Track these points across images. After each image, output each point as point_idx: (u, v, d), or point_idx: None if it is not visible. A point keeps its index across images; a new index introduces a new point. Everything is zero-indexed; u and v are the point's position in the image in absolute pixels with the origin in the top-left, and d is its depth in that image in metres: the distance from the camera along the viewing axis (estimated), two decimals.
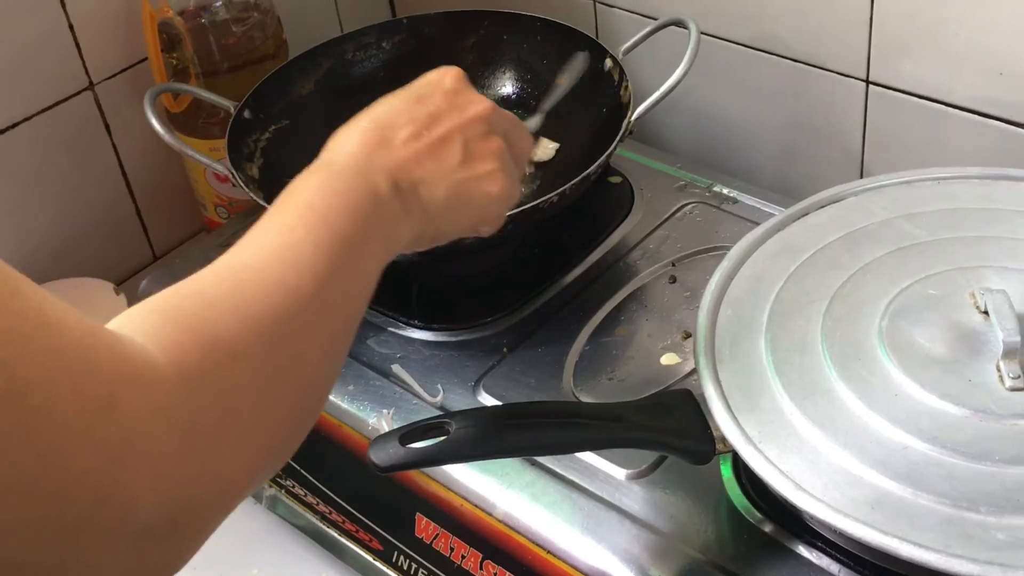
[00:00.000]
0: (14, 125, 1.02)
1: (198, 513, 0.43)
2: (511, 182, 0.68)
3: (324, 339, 0.52)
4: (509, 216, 0.84)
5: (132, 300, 0.93)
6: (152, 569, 0.42)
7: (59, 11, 1.02)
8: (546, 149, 1.00)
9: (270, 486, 0.91)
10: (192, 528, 0.43)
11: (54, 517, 0.38)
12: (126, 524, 0.40)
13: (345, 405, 0.84)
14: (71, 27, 1.03)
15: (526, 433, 0.68)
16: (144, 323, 0.45)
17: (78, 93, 1.06)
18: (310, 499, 0.88)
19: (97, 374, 0.39)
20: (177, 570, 0.44)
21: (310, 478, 0.88)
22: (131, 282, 1.13)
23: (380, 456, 0.65)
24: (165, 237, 1.18)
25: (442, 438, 0.65)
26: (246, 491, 0.48)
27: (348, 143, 0.62)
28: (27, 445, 0.36)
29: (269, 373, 0.47)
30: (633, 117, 0.92)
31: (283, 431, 0.49)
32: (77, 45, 1.04)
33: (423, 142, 0.63)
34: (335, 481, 0.87)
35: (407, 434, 0.65)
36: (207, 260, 0.52)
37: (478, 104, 0.67)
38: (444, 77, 0.68)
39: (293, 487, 0.89)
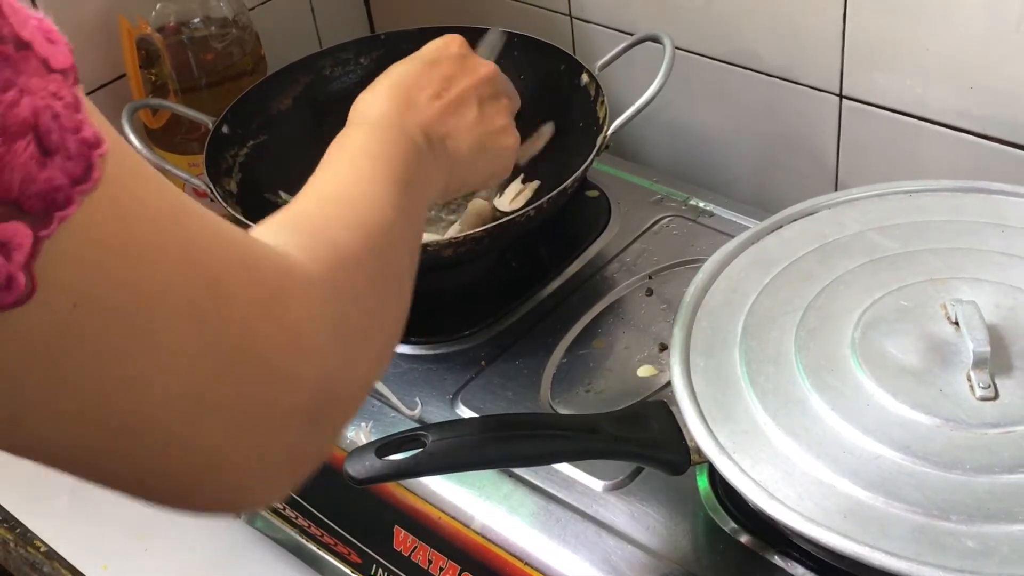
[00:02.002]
0: None
1: (340, 404, 0.47)
2: (517, 135, 0.77)
3: (408, 255, 0.58)
4: (485, 229, 0.85)
5: None
6: (305, 455, 0.45)
7: None
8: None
9: None
10: (335, 417, 0.47)
11: (243, 401, 0.41)
12: (294, 408, 0.43)
13: None
14: None
15: (503, 445, 0.68)
16: (275, 235, 0.48)
17: None
18: (288, 512, 0.88)
19: (265, 269, 0.43)
20: (319, 462, 0.46)
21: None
22: None
23: (356, 468, 0.65)
24: None
25: (418, 450, 0.66)
26: (365, 392, 0.51)
27: (378, 104, 0.67)
28: (223, 337, 0.40)
29: (380, 281, 0.52)
30: (609, 131, 0.93)
31: (391, 335, 0.54)
32: None
33: (444, 101, 0.70)
34: (313, 494, 0.87)
35: (384, 446, 0.66)
36: None
37: (484, 67, 0.75)
38: (450, 44, 0.75)
39: None
